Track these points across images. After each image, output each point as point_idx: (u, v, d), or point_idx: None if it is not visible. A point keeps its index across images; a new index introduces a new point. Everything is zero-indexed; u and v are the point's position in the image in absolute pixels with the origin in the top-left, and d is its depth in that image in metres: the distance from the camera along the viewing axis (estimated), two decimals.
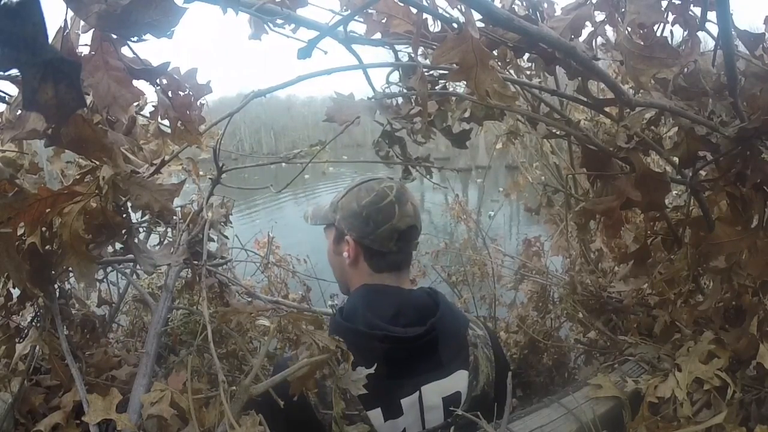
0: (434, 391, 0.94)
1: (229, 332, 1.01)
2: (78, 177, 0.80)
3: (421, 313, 0.96)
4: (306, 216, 1.18)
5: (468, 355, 0.99)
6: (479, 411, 0.93)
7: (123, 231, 0.85)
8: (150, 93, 0.70)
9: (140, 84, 0.61)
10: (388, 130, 1.05)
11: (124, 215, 0.86)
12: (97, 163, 0.75)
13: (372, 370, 0.81)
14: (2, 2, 0.37)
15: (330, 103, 0.67)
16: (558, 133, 0.97)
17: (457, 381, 0.96)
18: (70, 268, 0.80)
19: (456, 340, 0.99)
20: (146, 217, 1.40)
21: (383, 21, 0.74)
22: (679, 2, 0.75)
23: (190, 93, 0.72)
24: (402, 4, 0.73)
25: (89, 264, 0.74)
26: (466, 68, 0.59)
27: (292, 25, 0.70)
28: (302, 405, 0.86)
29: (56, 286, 0.97)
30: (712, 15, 0.73)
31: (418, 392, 0.93)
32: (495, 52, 0.77)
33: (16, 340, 0.93)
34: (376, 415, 0.89)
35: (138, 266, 1.23)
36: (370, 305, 0.96)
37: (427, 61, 0.84)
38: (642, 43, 0.67)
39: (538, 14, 0.79)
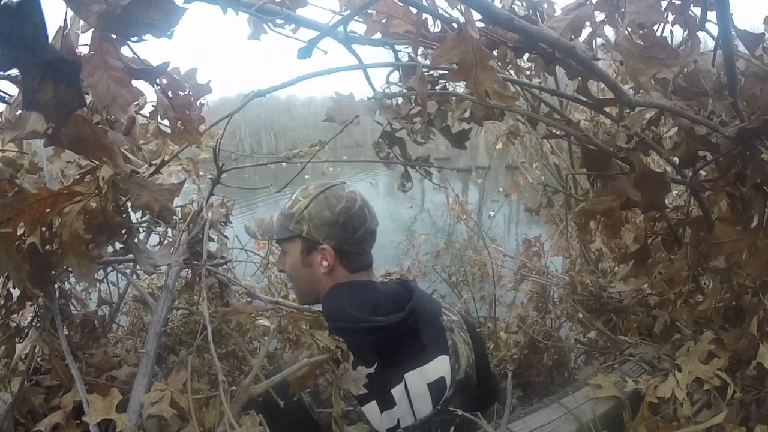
0: (418, 378, 0.95)
1: (229, 332, 1.01)
2: (78, 177, 0.80)
3: (397, 302, 0.99)
4: (253, 232, 1.14)
5: (446, 340, 1.01)
6: (466, 393, 0.98)
7: (123, 231, 0.84)
8: (150, 93, 0.70)
9: (140, 84, 0.61)
10: (388, 130, 1.05)
11: (124, 215, 0.85)
12: (97, 163, 0.75)
13: (370, 369, 0.81)
14: (2, 2, 0.37)
15: (330, 103, 0.66)
16: (558, 133, 0.97)
17: (439, 366, 0.98)
18: (70, 268, 0.79)
19: (434, 325, 1.02)
20: (146, 217, 1.40)
21: (383, 21, 0.74)
22: (679, 2, 0.75)
23: (190, 93, 0.71)
24: (402, 4, 0.73)
25: (89, 264, 0.74)
26: (466, 68, 0.58)
27: (292, 25, 0.70)
28: (296, 405, 0.86)
29: (56, 286, 0.97)
30: (712, 15, 0.73)
31: (403, 381, 0.94)
32: (495, 52, 0.77)
33: (16, 340, 0.93)
34: (372, 408, 0.90)
35: (138, 266, 1.23)
36: (351, 301, 0.97)
37: (427, 61, 0.84)
38: (642, 43, 0.67)
39: (538, 14, 0.79)
